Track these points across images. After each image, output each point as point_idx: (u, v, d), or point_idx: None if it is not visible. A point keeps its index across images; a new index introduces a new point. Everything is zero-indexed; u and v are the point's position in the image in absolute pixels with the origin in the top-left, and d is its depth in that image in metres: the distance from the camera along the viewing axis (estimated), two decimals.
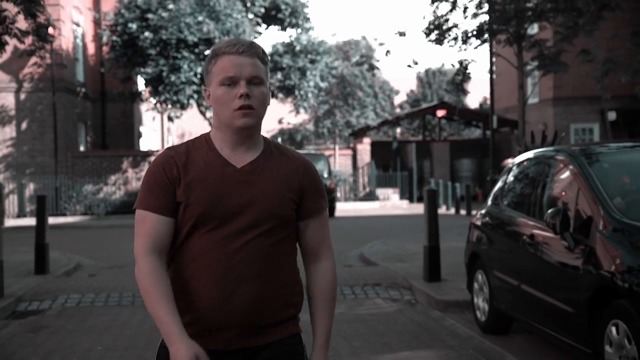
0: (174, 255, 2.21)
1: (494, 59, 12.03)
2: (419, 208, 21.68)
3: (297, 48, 22.73)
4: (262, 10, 23.52)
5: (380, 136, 37.63)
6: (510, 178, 6.78)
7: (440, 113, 26.86)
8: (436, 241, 8.82)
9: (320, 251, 2.31)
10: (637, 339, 4.16)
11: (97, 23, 24.87)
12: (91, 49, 26.15)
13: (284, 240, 2.23)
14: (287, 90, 23.49)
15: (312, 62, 22.95)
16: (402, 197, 27.42)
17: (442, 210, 23.44)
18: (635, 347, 4.18)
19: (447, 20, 12.18)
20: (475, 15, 11.92)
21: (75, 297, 8.78)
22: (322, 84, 23.76)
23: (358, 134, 29.52)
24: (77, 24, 24.30)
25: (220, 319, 2.14)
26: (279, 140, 42.01)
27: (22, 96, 22.39)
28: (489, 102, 38.48)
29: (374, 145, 29.42)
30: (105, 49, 23.97)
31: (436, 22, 12.05)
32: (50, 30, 13.86)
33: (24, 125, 22.62)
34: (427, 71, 46.17)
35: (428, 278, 8.81)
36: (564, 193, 5.48)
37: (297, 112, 25.34)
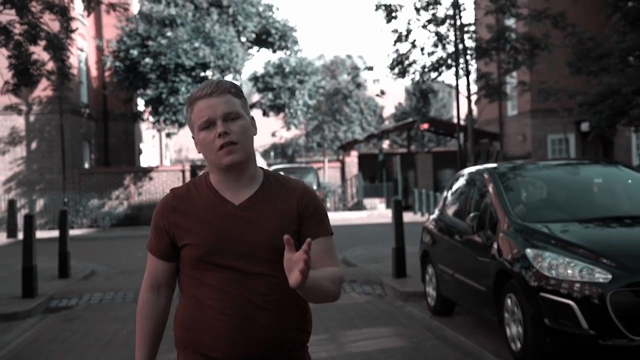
0: (187, 291, 2.27)
1: (459, 84, 13.67)
2: (404, 217, 23.24)
3: (287, 69, 24.44)
4: (253, 35, 25.21)
5: (369, 148, 39.29)
6: (452, 189, 8.44)
7: (424, 126, 28.53)
8: (402, 244, 10.44)
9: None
10: (521, 306, 5.80)
11: (99, 49, 26.52)
12: (93, 71, 27.81)
13: None
14: (278, 109, 25.19)
15: (301, 82, 24.66)
16: (388, 206, 28.96)
17: (425, 217, 24.95)
18: (520, 312, 5.82)
19: (407, 57, 13.94)
20: (430, 54, 13.68)
21: (97, 295, 10.40)
22: (311, 102, 25.48)
23: (346, 147, 31.14)
24: (81, 50, 25.96)
25: (235, 351, 2.17)
26: (271, 154, 43.56)
27: (32, 118, 24.01)
28: (474, 114, 40.24)
29: (361, 157, 31.00)
30: (107, 73, 25.65)
31: (398, 59, 13.81)
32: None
33: (33, 145, 24.24)
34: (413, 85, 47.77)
35: (395, 275, 10.41)
36: (482, 202, 7.14)
37: (288, 129, 27.01)
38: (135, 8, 27.85)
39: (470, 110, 13.68)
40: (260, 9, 25.58)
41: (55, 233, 18.78)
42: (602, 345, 5.25)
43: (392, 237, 10.55)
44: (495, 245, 6.39)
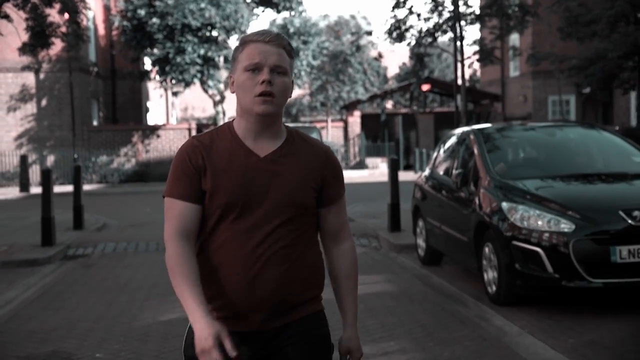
0: (202, 244, 2.25)
1: (458, 48, 14.13)
2: (404, 175, 23.86)
3: (291, 30, 24.89)
4: None
5: (374, 108, 39.76)
6: (443, 148, 9.04)
7: (425, 87, 28.96)
8: (397, 200, 11.07)
9: (340, 234, 2.37)
10: (497, 254, 6.46)
11: (107, 8, 26.93)
12: (101, 30, 28.24)
13: (307, 227, 2.28)
14: None
15: (305, 42, 25.12)
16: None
17: None
18: (496, 259, 6.49)
19: (404, 22, 14.46)
20: (427, 19, 14.20)
21: (111, 245, 11.12)
22: (314, 63, 25.95)
23: (349, 107, 31.64)
24: (89, 8, 26.38)
25: (249, 303, 2.20)
26: None
27: (42, 76, 24.55)
28: (478, 74, 40.56)
29: (364, 117, 31.54)
30: (115, 32, 26.09)
31: (396, 25, 14.34)
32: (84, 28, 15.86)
33: (43, 103, 24.84)
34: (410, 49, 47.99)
35: (390, 229, 11.08)
36: (468, 160, 7.75)
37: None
38: None
39: (463, 73, 14.23)
40: None
41: (65, 188, 19.49)
42: (564, 287, 5.93)
43: (388, 192, 11.19)
44: (476, 200, 7.03)
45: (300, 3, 26.15)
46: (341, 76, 32.45)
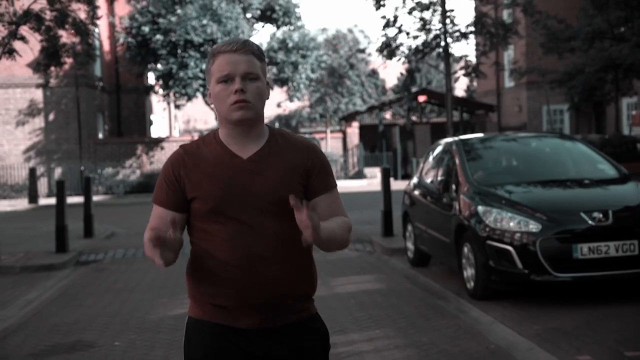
0: (197, 245, 2.34)
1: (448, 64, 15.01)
2: (401, 184, 24.58)
3: (290, 45, 25.67)
4: (258, 12, 26.40)
5: (373, 118, 40.52)
6: (429, 158, 9.74)
7: (422, 98, 29.69)
8: (389, 207, 11.76)
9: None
10: (474, 253, 7.14)
11: (112, 25, 27.76)
12: (106, 46, 29.06)
13: (296, 224, 2.24)
14: (282, 82, 26.47)
15: (304, 56, 25.90)
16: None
17: None
18: (473, 257, 7.17)
19: (395, 40, 15.30)
20: (415, 37, 15.03)
21: (120, 251, 11.81)
22: (313, 76, 26.73)
23: (348, 118, 32.38)
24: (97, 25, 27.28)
25: (246, 301, 2.26)
26: (276, 125, 44.98)
27: (49, 91, 25.34)
28: (474, 84, 41.31)
29: (362, 128, 32.26)
30: (119, 47, 26.91)
31: (387, 42, 15.19)
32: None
33: (51, 117, 25.61)
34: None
35: (383, 234, 11.77)
36: (450, 168, 8.45)
37: (291, 101, 28.32)
38: None
39: (451, 87, 15.04)
40: None
41: (72, 199, 20.16)
42: (533, 281, 6.62)
43: (381, 200, 11.88)
44: (456, 205, 7.73)
45: (299, 18, 26.96)
46: (339, 88, 33.27)
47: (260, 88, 2.32)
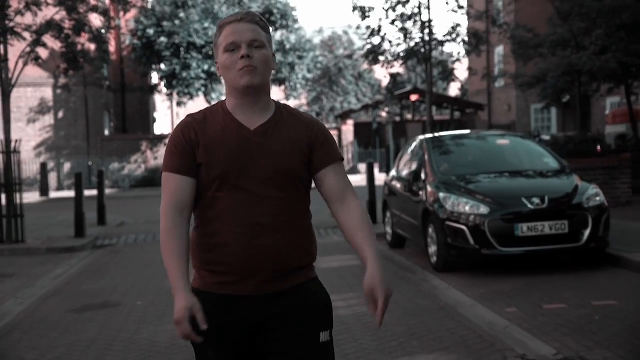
0: (201, 214, 2.37)
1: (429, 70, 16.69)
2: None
3: (287, 46, 27.04)
4: None
5: (368, 116, 41.88)
6: (407, 152, 11.08)
7: (414, 97, 31.04)
8: (373, 197, 13.14)
9: (344, 195, 2.41)
10: (436, 233, 8.49)
11: (117, 27, 29.09)
12: (112, 47, 30.40)
13: (300, 194, 2.37)
14: (279, 82, 27.84)
15: (300, 58, 27.28)
16: (381, 170, 31.57)
17: None
18: (436, 237, 8.52)
19: (379, 48, 16.85)
20: (398, 45, 16.58)
21: (132, 236, 13.17)
22: (309, 76, 28.10)
23: (343, 116, 33.73)
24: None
25: (248, 268, 2.30)
26: None
27: (59, 90, 26.70)
28: (466, 86, 42.63)
29: (357, 126, 33.61)
30: (124, 47, 28.28)
31: (372, 50, 16.76)
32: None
33: (60, 115, 26.99)
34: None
35: None
36: (421, 162, 9.80)
37: (288, 100, 29.71)
38: None
39: (429, 90, 16.62)
40: None
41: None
42: (482, 255, 7.98)
43: (366, 192, 13.26)
44: (424, 193, 9.08)
45: (296, 21, 28.31)
46: (335, 88, 34.68)
47: (267, 55, 2.35)
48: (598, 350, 5.14)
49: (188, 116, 2.41)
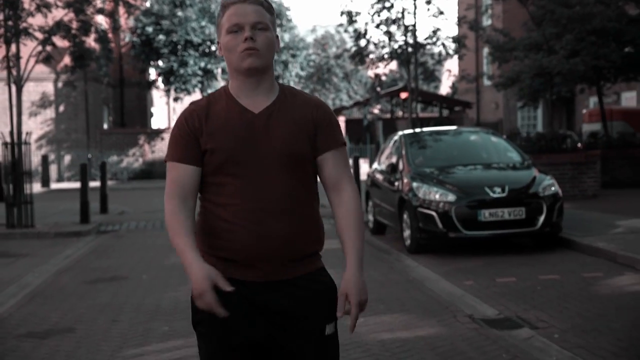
0: (206, 199, 2.34)
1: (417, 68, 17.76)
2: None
3: (281, 45, 28.01)
4: None
5: (360, 113, 42.88)
6: (387, 146, 12.06)
7: (404, 95, 32.01)
8: (358, 188, 14.12)
9: (341, 183, 2.38)
10: (409, 218, 9.48)
11: (116, 25, 30.00)
12: (111, 44, 31.33)
13: (306, 178, 2.33)
14: None
15: (293, 56, 28.26)
16: (370, 165, 32.62)
17: None
18: (409, 222, 9.51)
19: (365, 49, 17.96)
20: (382, 47, 17.67)
21: (133, 223, 14.13)
22: (302, 73, 29.10)
23: (335, 113, 34.71)
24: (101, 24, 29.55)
25: (255, 254, 2.26)
26: None
27: (60, 85, 27.64)
28: (457, 84, 43.63)
29: (348, 122, 34.63)
30: (123, 43, 29.22)
31: (358, 51, 17.87)
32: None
33: (61, 108, 27.92)
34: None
35: None
36: (398, 155, 10.79)
37: None
38: None
39: (411, 89, 17.74)
40: None
41: (78, 184, 22.40)
42: (449, 237, 8.98)
43: None
44: (399, 183, 10.08)
45: (290, 20, 29.27)
46: (327, 85, 35.70)
47: (270, 38, 2.31)
48: (532, 312, 6.15)
49: (191, 103, 2.40)
